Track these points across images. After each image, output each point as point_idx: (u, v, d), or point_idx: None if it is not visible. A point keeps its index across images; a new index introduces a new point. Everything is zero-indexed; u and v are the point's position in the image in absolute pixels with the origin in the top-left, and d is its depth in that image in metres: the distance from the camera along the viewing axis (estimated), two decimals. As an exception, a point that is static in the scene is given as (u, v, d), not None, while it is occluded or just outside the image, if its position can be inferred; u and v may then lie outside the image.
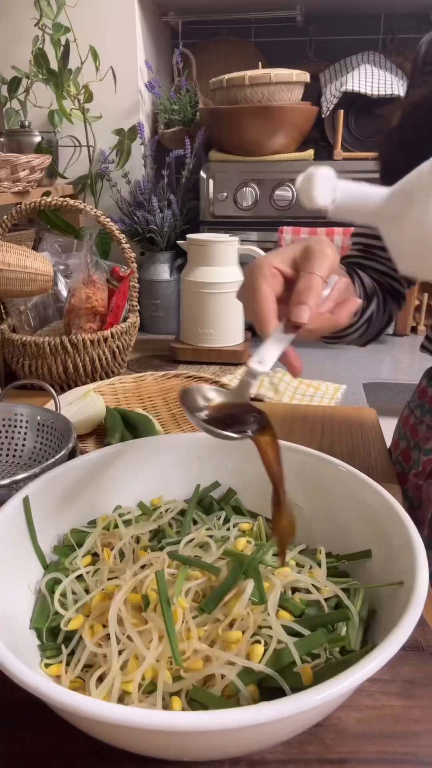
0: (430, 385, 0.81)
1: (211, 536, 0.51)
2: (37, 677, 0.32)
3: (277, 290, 0.50)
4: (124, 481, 0.57)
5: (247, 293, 0.51)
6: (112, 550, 0.50)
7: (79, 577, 0.47)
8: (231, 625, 0.42)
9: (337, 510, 0.52)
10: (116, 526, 0.52)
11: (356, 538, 0.50)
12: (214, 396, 0.48)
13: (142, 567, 0.46)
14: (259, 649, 0.39)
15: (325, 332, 0.53)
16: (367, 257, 0.80)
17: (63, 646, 0.42)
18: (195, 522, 0.55)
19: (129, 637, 0.40)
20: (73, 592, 0.46)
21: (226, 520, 0.55)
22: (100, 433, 0.88)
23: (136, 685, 0.37)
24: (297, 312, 0.47)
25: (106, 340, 1.07)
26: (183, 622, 0.41)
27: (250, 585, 0.43)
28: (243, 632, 0.41)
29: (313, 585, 0.45)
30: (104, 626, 0.42)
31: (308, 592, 0.45)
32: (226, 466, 0.58)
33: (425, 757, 0.39)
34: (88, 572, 0.48)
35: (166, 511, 0.55)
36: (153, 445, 0.59)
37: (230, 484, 0.58)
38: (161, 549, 0.50)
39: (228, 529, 0.53)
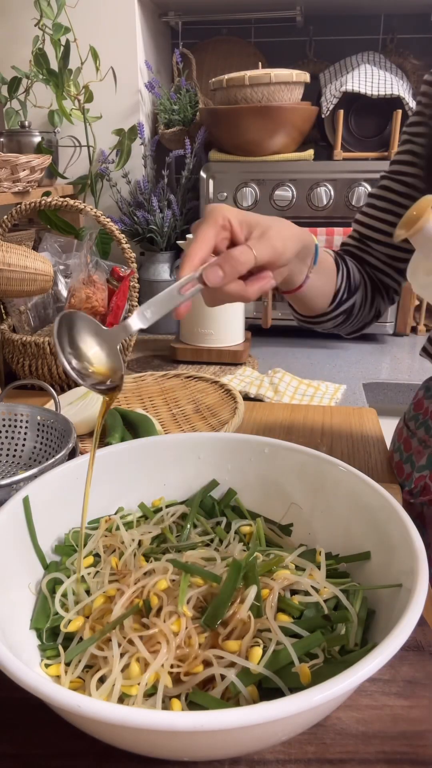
0: (426, 397, 0.79)
1: (211, 542, 0.52)
2: (37, 677, 0.32)
3: (219, 243, 0.52)
4: (125, 481, 0.57)
5: (195, 232, 0.52)
6: (113, 552, 0.50)
7: (80, 578, 0.47)
8: (232, 631, 0.41)
9: (337, 510, 0.52)
10: (118, 527, 0.52)
11: (356, 537, 0.50)
12: (87, 335, 0.48)
13: (145, 574, 0.46)
14: (258, 651, 0.39)
15: (231, 301, 0.53)
16: (361, 248, 0.79)
17: (62, 648, 0.42)
18: (195, 526, 0.55)
19: (130, 641, 0.40)
20: (74, 593, 0.46)
21: (228, 525, 0.55)
22: (101, 433, 0.88)
23: (142, 690, 0.37)
24: (209, 272, 0.49)
25: (106, 340, 1.07)
26: (185, 629, 0.41)
27: (252, 592, 0.43)
28: (243, 636, 0.40)
29: (312, 587, 0.45)
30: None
31: (307, 593, 0.44)
32: (226, 466, 0.58)
33: (425, 757, 0.39)
34: (89, 573, 0.48)
35: (168, 514, 0.55)
36: (153, 445, 0.59)
37: (230, 484, 0.58)
38: (162, 552, 0.50)
39: (227, 529, 0.53)
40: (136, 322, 0.48)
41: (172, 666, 0.39)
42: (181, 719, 0.30)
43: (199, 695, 0.38)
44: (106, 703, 0.30)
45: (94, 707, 0.30)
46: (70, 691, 0.31)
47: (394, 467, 0.81)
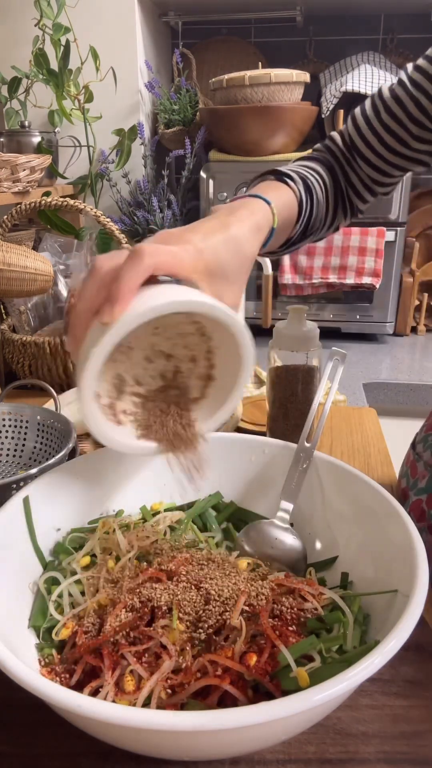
0: None
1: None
2: (38, 677, 0.32)
3: None
4: (125, 481, 0.57)
5: None
6: (110, 554, 0.50)
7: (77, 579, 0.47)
8: (226, 638, 0.41)
9: (337, 509, 0.52)
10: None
11: (356, 537, 0.50)
12: None
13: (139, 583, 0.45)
14: (253, 656, 0.39)
15: None
16: (346, 159, 0.70)
17: (56, 652, 0.42)
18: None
19: (122, 655, 0.39)
20: (70, 594, 0.46)
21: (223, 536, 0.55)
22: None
23: (140, 704, 0.37)
24: None
25: (106, 340, 1.07)
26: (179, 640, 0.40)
27: (242, 598, 0.42)
28: (234, 643, 0.40)
29: (308, 592, 0.45)
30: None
31: (304, 599, 0.44)
32: (225, 466, 0.59)
33: (425, 757, 0.39)
34: (86, 577, 0.48)
35: (164, 518, 0.55)
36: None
37: (230, 481, 0.59)
38: (155, 552, 0.50)
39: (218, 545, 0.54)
40: None
41: (167, 680, 0.38)
42: (181, 719, 0.30)
43: (195, 705, 0.37)
44: (106, 703, 0.30)
45: (94, 707, 0.30)
46: (71, 691, 0.31)
47: (400, 493, 0.76)
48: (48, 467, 0.59)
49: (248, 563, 0.49)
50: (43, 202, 1.03)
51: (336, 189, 0.70)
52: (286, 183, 0.62)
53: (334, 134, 0.71)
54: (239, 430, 0.86)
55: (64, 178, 1.56)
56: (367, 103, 0.67)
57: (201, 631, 0.41)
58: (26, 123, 1.43)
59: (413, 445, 0.77)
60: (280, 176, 0.63)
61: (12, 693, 0.41)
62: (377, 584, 0.45)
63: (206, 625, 0.41)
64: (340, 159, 0.71)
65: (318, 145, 0.73)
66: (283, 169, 0.65)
